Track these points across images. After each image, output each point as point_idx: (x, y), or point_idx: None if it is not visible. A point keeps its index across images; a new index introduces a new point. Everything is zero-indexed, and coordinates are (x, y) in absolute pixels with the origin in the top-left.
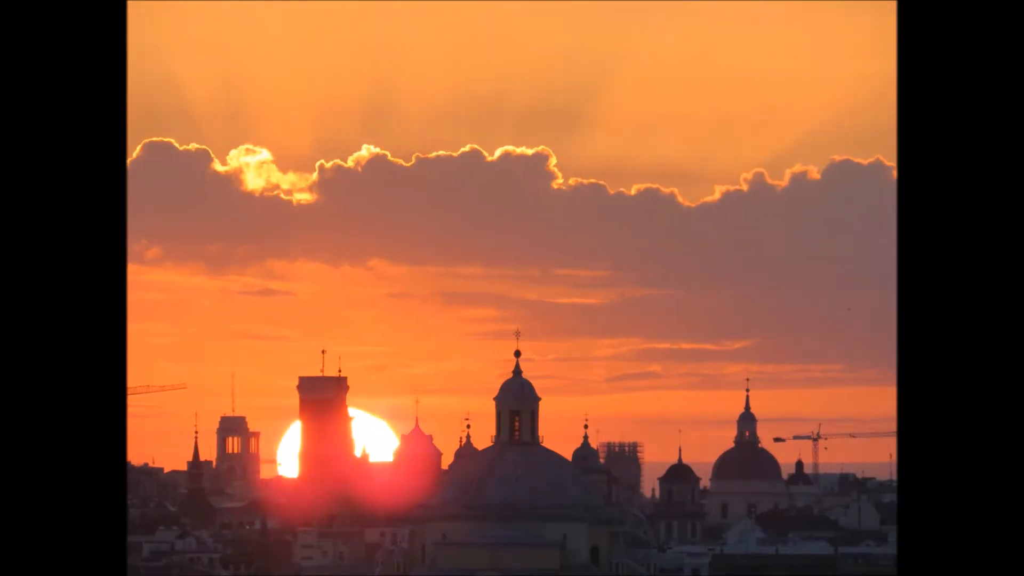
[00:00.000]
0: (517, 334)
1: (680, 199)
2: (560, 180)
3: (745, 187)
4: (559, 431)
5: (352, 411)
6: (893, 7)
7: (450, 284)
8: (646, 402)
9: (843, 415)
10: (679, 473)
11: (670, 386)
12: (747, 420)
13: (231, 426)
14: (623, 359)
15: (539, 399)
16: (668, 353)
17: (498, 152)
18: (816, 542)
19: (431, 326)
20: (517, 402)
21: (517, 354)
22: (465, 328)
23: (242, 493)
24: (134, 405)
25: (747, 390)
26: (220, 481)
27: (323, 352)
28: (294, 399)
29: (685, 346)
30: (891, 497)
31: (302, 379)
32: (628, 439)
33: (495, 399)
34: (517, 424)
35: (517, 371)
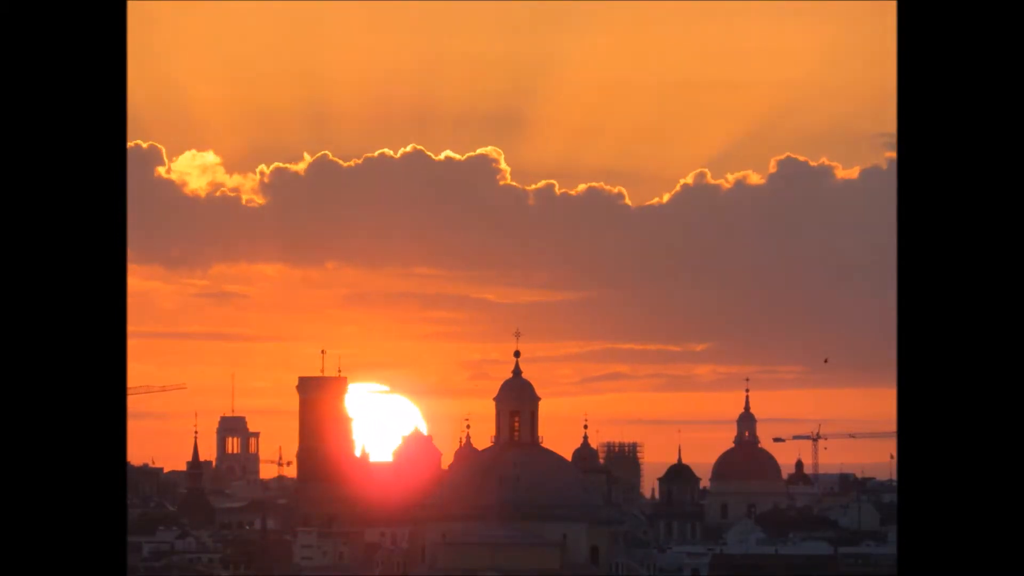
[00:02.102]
0: (517, 335)
1: (628, 200)
2: (510, 180)
3: (695, 187)
4: (559, 431)
5: (352, 411)
6: (833, 8)
7: (410, 285)
8: (613, 404)
9: (806, 415)
10: (679, 473)
11: (640, 387)
12: (747, 420)
13: (231, 426)
14: (589, 359)
15: (539, 399)
16: (634, 354)
17: (444, 153)
18: (816, 542)
19: (402, 328)
20: (517, 402)
21: (517, 354)
22: (434, 329)
23: (242, 493)
24: (134, 405)
25: (747, 391)
26: (220, 481)
27: (323, 352)
28: (294, 399)
29: (651, 347)
30: (891, 497)
31: (302, 379)
32: (613, 439)
33: (495, 399)
34: (517, 424)
35: (517, 371)
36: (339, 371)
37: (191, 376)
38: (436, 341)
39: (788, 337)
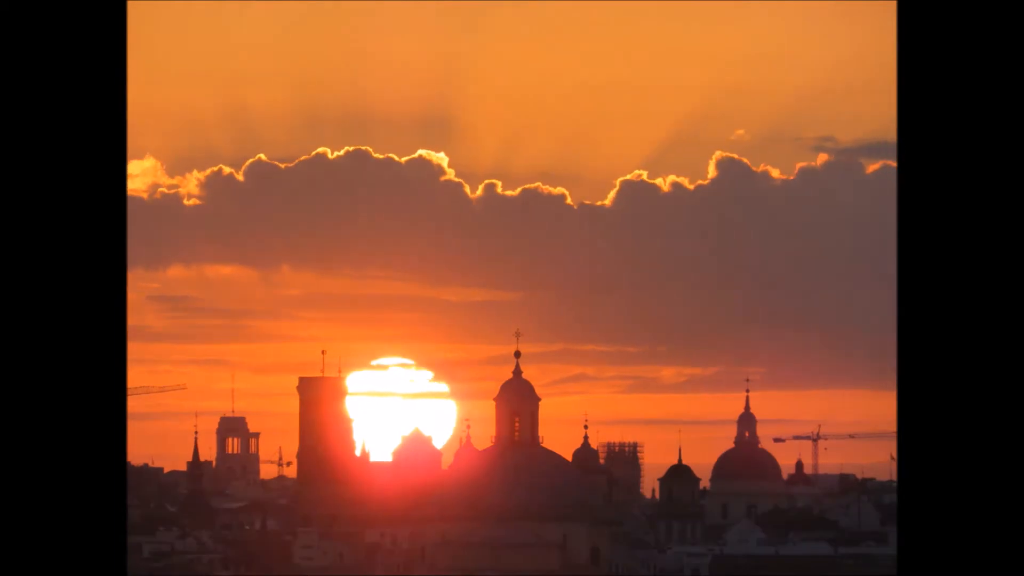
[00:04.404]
0: (517, 335)
1: (571, 200)
2: (454, 181)
3: (637, 188)
4: (559, 432)
5: (352, 412)
6: (762, 10)
7: (371, 287)
8: (577, 405)
9: (806, 416)
10: (679, 473)
11: (608, 389)
12: (747, 421)
13: (231, 426)
14: (556, 360)
15: (539, 399)
16: (598, 355)
17: (382, 154)
18: (816, 542)
19: (362, 332)
20: (517, 403)
21: (517, 355)
22: (403, 331)
23: (242, 493)
24: (134, 405)
25: (747, 391)
26: (220, 481)
27: (323, 352)
28: (294, 399)
29: (612, 348)
30: (891, 497)
31: (302, 379)
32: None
33: (495, 400)
34: (517, 424)
35: (517, 372)
36: (339, 372)
37: (155, 377)
38: (408, 343)
39: (753, 337)
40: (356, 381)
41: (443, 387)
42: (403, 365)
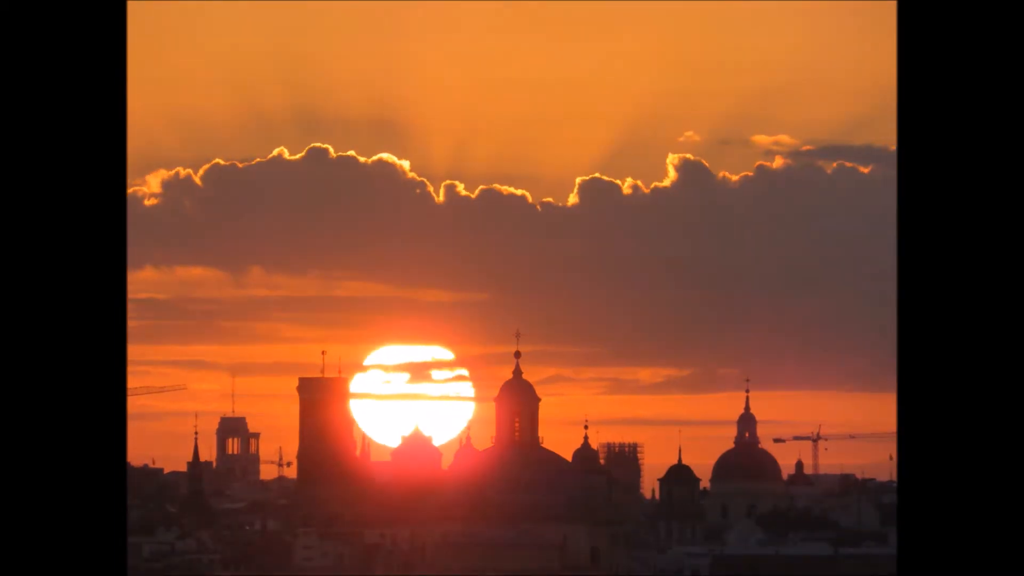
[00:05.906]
0: (517, 335)
1: (532, 200)
2: (417, 180)
3: (598, 188)
4: (559, 432)
5: (352, 412)
6: (712, 8)
7: (343, 289)
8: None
9: (806, 416)
10: (679, 474)
11: (587, 391)
12: (747, 421)
13: (231, 426)
14: (540, 362)
15: (539, 399)
16: (576, 356)
17: (341, 155)
18: (816, 543)
19: (360, 331)
20: (517, 403)
21: (517, 355)
22: (378, 331)
23: (242, 494)
24: (134, 406)
25: (747, 391)
26: (220, 482)
27: (323, 353)
28: (294, 400)
29: (588, 349)
30: (891, 497)
31: (302, 380)
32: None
33: (495, 400)
34: (517, 425)
35: (517, 372)
36: (339, 372)
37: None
38: (402, 343)
39: (730, 337)
40: (356, 382)
41: (467, 386)
42: (402, 366)
